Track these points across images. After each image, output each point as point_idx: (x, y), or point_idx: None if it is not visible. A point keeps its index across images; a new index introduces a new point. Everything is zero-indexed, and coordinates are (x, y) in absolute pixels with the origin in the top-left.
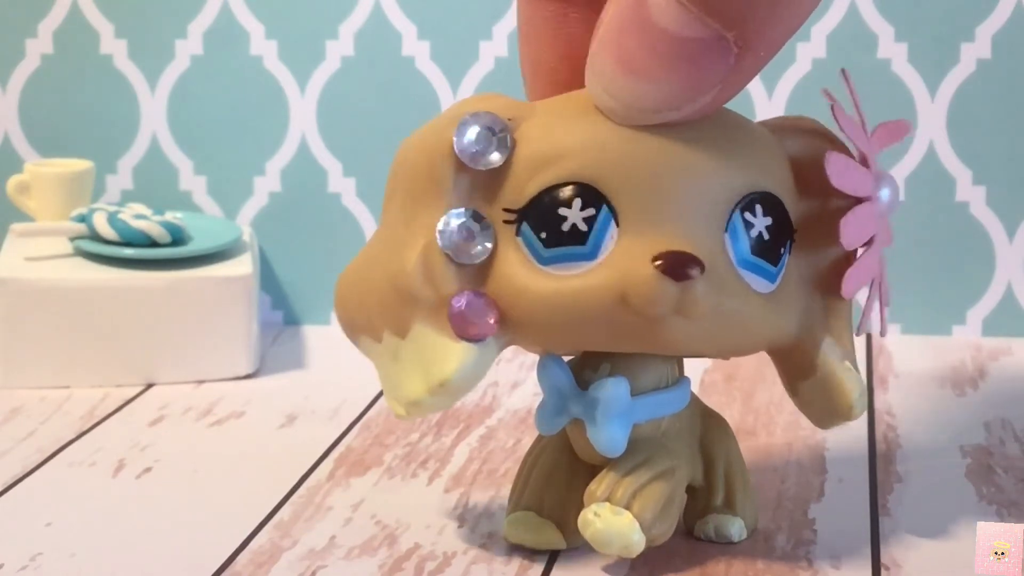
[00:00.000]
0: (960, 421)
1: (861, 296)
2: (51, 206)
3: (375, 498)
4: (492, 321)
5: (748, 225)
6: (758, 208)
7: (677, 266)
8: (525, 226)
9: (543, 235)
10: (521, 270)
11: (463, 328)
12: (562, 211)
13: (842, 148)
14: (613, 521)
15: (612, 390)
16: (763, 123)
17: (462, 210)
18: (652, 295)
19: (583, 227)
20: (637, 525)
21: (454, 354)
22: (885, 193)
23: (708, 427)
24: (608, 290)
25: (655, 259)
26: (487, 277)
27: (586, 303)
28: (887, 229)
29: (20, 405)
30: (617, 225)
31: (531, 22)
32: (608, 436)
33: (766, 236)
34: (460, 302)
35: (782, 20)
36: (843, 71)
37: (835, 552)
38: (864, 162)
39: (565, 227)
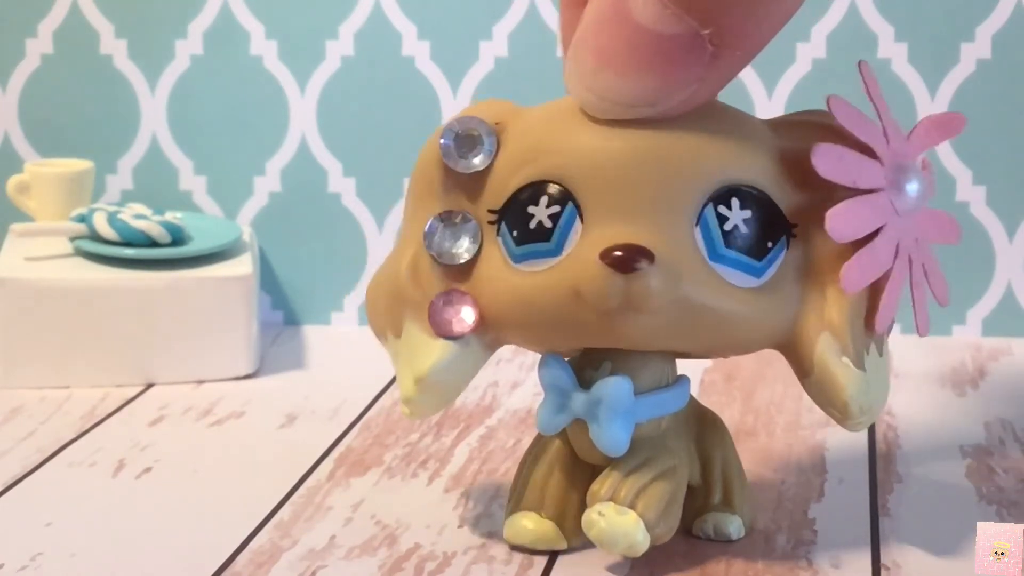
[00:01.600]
0: (960, 421)
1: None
2: (51, 206)
3: (375, 498)
4: (469, 319)
5: (722, 218)
6: (734, 201)
7: (623, 259)
8: (503, 225)
9: (514, 233)
10: (497, 269)
11: (438, 325)
12: (530, 209)
13: (848, 140)
14: (618, 521)
15: (616, 389)
16: (769, 120)
17: (445, 213)
18: (599, 289)
19: (548, 224)
20: (642, 524)
21: (431, 351)
22: (912, 187)
23: (703, 426)
24: (563, 286)
25: (603, 253)
26: (470, 277)
27: (544, 299)
28: (935, 223)
29: (20, 405)
30: (582, 221)
31: (567, 26)
32: (611, 435)
33: (744, 230)
34: (437, 301)
35: (760, 21)
36: (860, 64)
37: (835, 552)
38: (870, 153)
39: (532, 224)
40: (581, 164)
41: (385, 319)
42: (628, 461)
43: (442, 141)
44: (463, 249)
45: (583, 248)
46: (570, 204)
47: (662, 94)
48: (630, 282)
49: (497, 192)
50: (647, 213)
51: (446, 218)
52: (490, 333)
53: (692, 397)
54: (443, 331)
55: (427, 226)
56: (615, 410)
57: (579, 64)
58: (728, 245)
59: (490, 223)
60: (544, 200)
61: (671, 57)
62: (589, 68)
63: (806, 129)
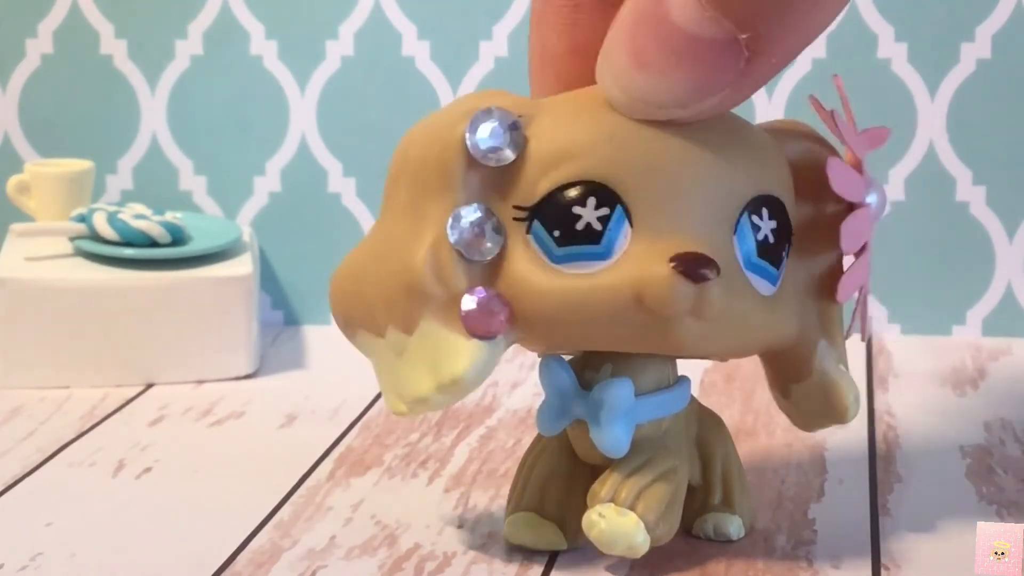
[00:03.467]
0: (960, 421)
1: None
2: (51, 206)
3: (375, 498)
4: (504, 319)
5: (755, 228)
6: (764, 211)
7: (694, 267)
8: (536, 224)
9: (556, 233)
10: (534, 268)
11: (476, 326)
12: (576, 210)
13: (834, 153)
14: (618, 522)
15: (616, 391)
16: (759, 126)
17: (475, 206)
18: (669, 296)
19: (598, 226)
20: (642, 526)
21: (465, 352)
22: (874, 199)
23: (704, 426)
24: (624, 290)
25: (672, 260)
26: (497, 274)
27: (601, 302)
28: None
29: (20, 405)
30: (631, 225)
31: (543, 11)
32: (612, 437)
33: (771, 239)
34: (473, 300)
35: (796, 29)
36: (835, 77)
37: (835, 552)
38: (858, 168)
39: (579, 226)
40: (629, 167)
41: (383, 313)
42: (629, 462)
43: (471, 131)
44: (492, 245)
45: (641, 253)
46: (619, 207)
47: (694, 97)
48: (700, 291)
49: (527, 188)
50: (697, 220)
51: (483, 212)
52: (517, 332)
53: (693, 398)
54: (481, 331)
55: (454, 218)
56: (616, 411)
57: (612, 63)
58: (758, 254)
59: (516, 219)
60: (592, 201)
61: (706, 60)
62: (622, 67)
63: (803, 141)
